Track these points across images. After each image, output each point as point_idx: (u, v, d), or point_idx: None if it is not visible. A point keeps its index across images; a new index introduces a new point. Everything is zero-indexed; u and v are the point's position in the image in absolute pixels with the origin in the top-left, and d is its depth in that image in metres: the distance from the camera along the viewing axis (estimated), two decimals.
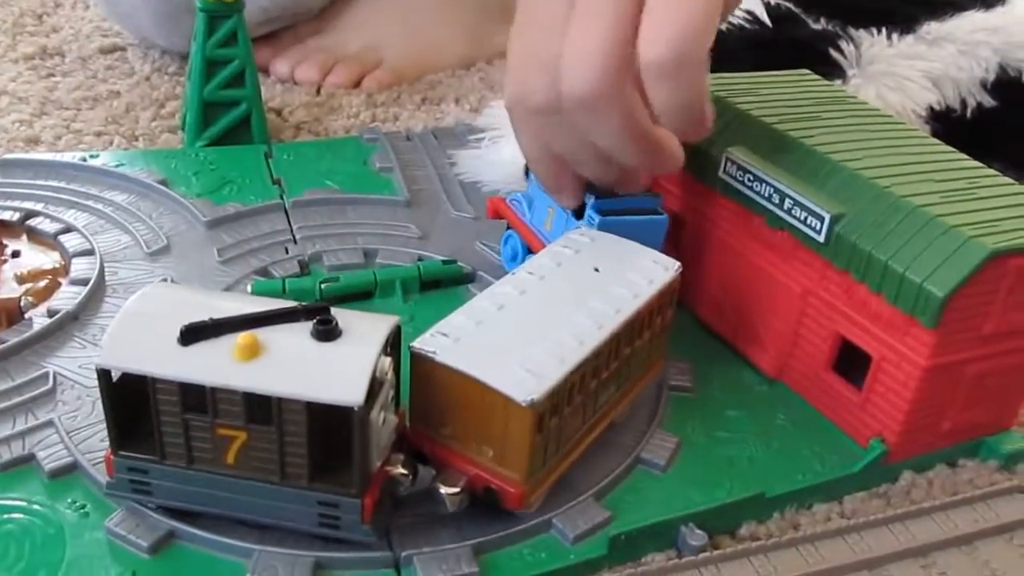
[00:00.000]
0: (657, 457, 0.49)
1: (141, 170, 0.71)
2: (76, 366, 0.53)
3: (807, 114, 0.57)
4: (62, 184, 0.69)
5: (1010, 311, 0.49)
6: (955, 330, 0.48)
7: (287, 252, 0.64)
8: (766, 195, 0.53)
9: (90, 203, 0.67)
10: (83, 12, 1.04)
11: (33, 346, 0.54)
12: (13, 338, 0.53)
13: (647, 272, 0.50)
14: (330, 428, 0.40)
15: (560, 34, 0.47)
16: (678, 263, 0.52)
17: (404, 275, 0.61)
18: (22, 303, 0.57)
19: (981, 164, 0.54)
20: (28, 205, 0.66)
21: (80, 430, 0.48)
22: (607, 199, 0.54)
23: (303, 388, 0.39)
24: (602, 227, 0.54)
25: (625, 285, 0.49)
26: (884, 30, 0.80)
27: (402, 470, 0.44)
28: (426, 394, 0.44)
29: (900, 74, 0.77)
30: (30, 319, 0.55)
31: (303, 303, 0.42)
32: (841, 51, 0.78)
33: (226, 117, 0.76)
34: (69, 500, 0.45)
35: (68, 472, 0.46)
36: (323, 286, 0.59)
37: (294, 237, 0.66)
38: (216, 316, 0.40)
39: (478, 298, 0.47)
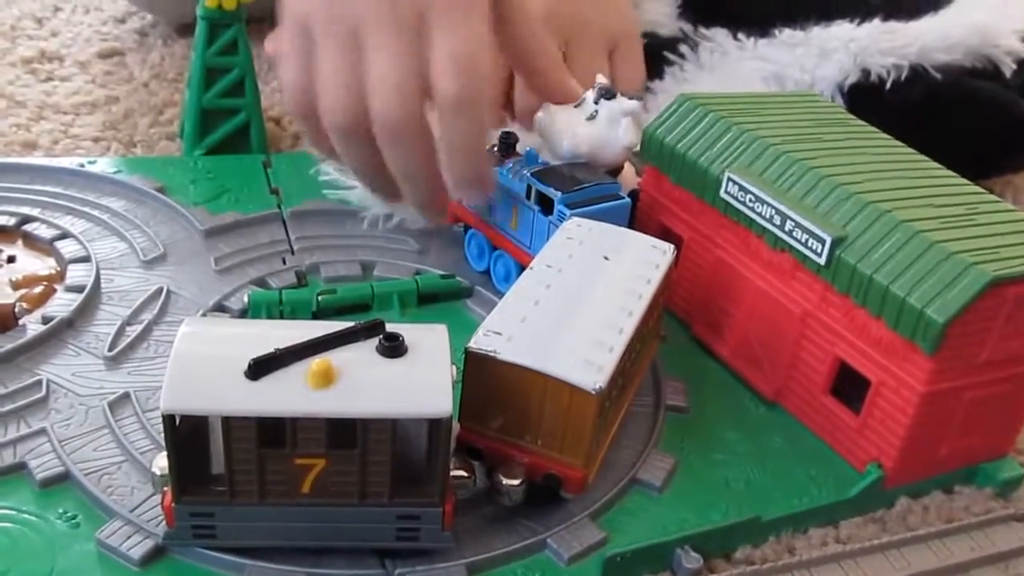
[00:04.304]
0: (653, 478, 0.49)
1: (139, 177, 0.70)
2: (70, 374, 0.52)
3: (809, 135, 0.57)
4: (59, 190, 0.68)
5: (1007, 338, 0.49)
6: (953, 356, 0.47)
7: (284, 263, 0.64)
8: (767, 216, 0.53)
9: (87, 209, 0.67)
10: (83, 16, 1.03)
11: (27, 353, 0.53)
12: (6, 344, 0.53)
13: (650, 257, 0.53)
14: (402, 442, 0.41)
15: (355, 69, 0.53)
16: (672, 246, 0.54)
17: (402, 289, 0.61)
18: (16, 309, 0.56)
19: (981, 189, 0.54)
20: (24, 210, 0.65)
21: (73, 439, 0.48)
22: (571, 192, 0.57)
23: (389, 407, 0.39)
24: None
25: (636, 271, 0.52)
26: (733, 32, 0.83)
27: (462, 472, 0.44)
28: (482, 391, 0.45)
29: (737, 72, 0.79)
30: (24, 325, 0.55)
31: (360, 322, 0.42)
32: (681, 47, 0.82)
33: (225, 126, 0.76)
34: (60, 510, 0.45)
35: (60, 482, 0.46)
36: (320, 298, 0.59)
37: (292, 248, 0.65)
38: (269, 346, 0.40)
39: (510, 295, 0.48)
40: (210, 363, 0.40)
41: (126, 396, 0.51)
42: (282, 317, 0.58)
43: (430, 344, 0.42)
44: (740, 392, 0.57)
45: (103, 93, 0.87)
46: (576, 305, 0.48)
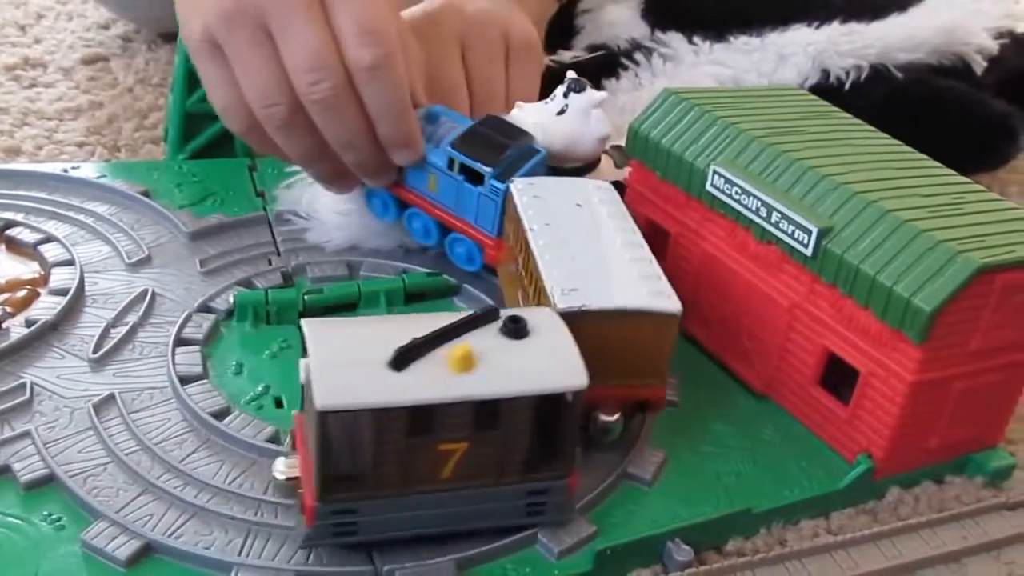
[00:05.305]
0: (643, 472, 0.49)
1: (123, 181, 0.70)
2: (54, 376, 0.52)
3: (794, 128, 0.57)
4: (43, 195, 0.68)
5: (996, 327, 0.48)
6: (942, 346, 0.47)
7: (270, 264, 0.63)
8: (754, 208, 0.53)
9: (71, 214, 0.66)
10: (66, 23, 1.03)
11: (11, 356, 0.53)
12: None
13: (606, 195, 0.57)
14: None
15: (274, 58, 0.54)
16: (607, 183, 0.58)
17: (388, 287, 0.61)
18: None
19: (967, 179, 0.54)
20: (8, 215, 0.65)
21: (57, 441, 0.48)
22: (500, 164, 0.58)
23: (532, 384, 0.41)
24: (506, 191, 0.57)
25: (611, 210, 0.55)
26: (689, 36, 0.83)
27: (608, 417, 0.47)
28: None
29: (693, 77, 0.80)
30: (7, 329, 0.54)
31: (476, 310, 0.43)
32: (638, 54, 0.83)
33: (210, 129, 0.75)
34: (44, 513, 0.44)
35: (44, 484, 0.46)
36: (307, 297, 0.58)
37: (278, 249, 0.65)
38: (397, 339, 0.40)
39: (545, 257, 0.50)
40: (350, 359, 0.40)
41: (111, 398, 0.51)
42: (268, 317, 0.58)
43: (545, 323, 0.44)
44: (729, 385, 0.57)
45: (87, 99, 0.87)
46: (598, 250, 0.51)
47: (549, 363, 0.42)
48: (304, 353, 0.41)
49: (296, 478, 0.42)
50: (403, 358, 0.40)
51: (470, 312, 0.43)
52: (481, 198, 0.58)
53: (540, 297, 0.50)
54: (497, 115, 0.61)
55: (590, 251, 0.51)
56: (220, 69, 0.56)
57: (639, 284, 0.49)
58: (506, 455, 0.42)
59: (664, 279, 0.50)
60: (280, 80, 0.54)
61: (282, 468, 0.42)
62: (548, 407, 0.42)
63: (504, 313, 0.43)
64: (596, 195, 0.56)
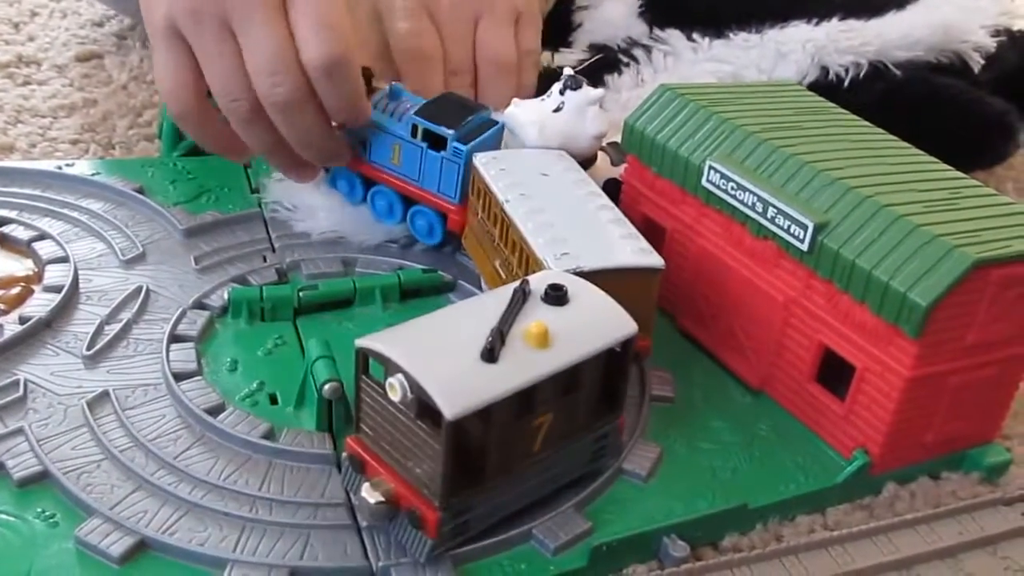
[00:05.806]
0: (639, 467, 0.49)
1: (117, 179, 0.70)
2: (48, 373, 0.52)
3: (790, 123, 0.57)
4: (37, 192, 0.68)
5: (992, 322, 0.48)
6: (938, 341, 0.47)
7: (265, 260, 0.63)
8: (749, 204, 0.53)
9: (65, 211, 0.66)
10: (60, 21, 1.03)
11: (4, 353, 0.53)
12: None
13: (565, 163, 0.59)
14: None
15: (237, 55, 0.56)
16: (562, 151, 0.60)
17: (384, 284, 0.60)
18: None
19: (962, 174, 0.54)
20: (2, 212, 0.64)
21: (51, 438, 0.47)
22: (461, 128, 0.60)
23: (600, 342, 0.43)
24: (467, 153, 0.60)
25: (575, 177, 0.58)
26: (688, 33, 0.83)
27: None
28: None
29: (692, 74, 0.80)
30: (1, 326, 0.54)
31: (517, 287, 0.44)
32: (638, 50, 0.83)
33: None
34: (38, 509, 0.44)
35: (37, 481, 0.45)
36: (301, 294, 0.58)
37: (273, 246, 0.65)
38: (467, 333, 0.41)
39: (528, 225, 0.52)
40: (446, 365, 0.40)
41: (105, 394, 0.50)
42: (263, 313, 0.58)
43: (574, 284, 0.45)
44: (726, 381, 0.57)
45: (81, 96, 0.87)
46: (575, 214, 0.53)
47: (602, 319, 0.44)
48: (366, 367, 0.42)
49: (392, 499, 0.42)
50: (493, 349, 0.40)
51: (512, 290, 0.44)
52: (444, 163, 0.61)
53: (529, 264, 0.51)
54: (455, 93, 0.65)
55: (568, 216, 0.53)
56: (175, 55, 0.58)
57: (622, 243, 0.51)
58: (581, 413, 0.45)
59: (641, 240, 0.51)
60: (242, 78, 0.56)
61: (372, 494, 0.42)
62: (609, 358, 0.44)
63: (536, 284, 0.44)
64: (557, 164, 0.58)
